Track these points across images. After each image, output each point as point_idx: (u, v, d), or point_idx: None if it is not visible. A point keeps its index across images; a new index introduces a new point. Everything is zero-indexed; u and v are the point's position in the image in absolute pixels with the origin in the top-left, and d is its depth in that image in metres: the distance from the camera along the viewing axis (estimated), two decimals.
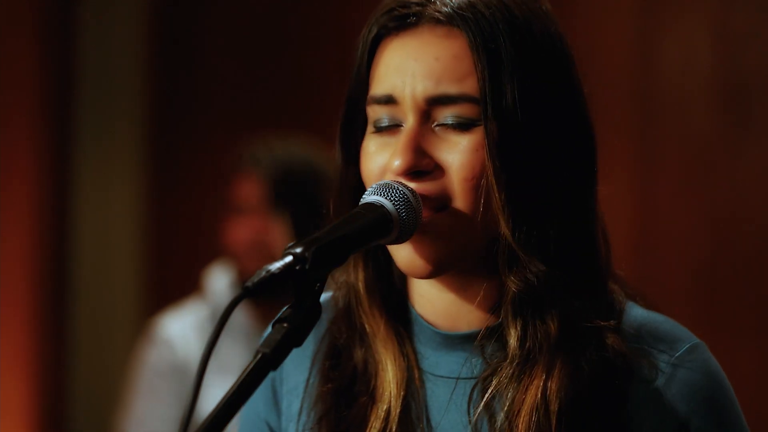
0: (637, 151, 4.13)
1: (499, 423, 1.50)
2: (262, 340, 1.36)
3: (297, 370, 1.62)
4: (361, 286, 1.59)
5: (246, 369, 1.32)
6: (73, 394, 4.90)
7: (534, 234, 1.48)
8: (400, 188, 1.46)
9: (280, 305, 1.42)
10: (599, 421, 1.48)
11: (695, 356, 1.52)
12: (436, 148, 1.48)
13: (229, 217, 3.47)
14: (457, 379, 1.54)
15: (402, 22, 1.51)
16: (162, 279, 4.93)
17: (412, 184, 1.47)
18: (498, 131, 1.46)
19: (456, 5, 1.49)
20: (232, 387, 1.31)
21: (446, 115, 1.49)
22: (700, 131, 4.09)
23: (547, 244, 1.49)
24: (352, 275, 1.59)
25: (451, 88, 1.48)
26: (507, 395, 1.50)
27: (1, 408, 4.49)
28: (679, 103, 4.12)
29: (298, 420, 1.60)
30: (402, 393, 1.55)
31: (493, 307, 1.53)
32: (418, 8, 1.50)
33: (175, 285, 4.54)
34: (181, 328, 3.47)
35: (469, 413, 1.52)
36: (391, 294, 1.59)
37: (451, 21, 1.49)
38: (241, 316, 3.40)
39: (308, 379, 1.61)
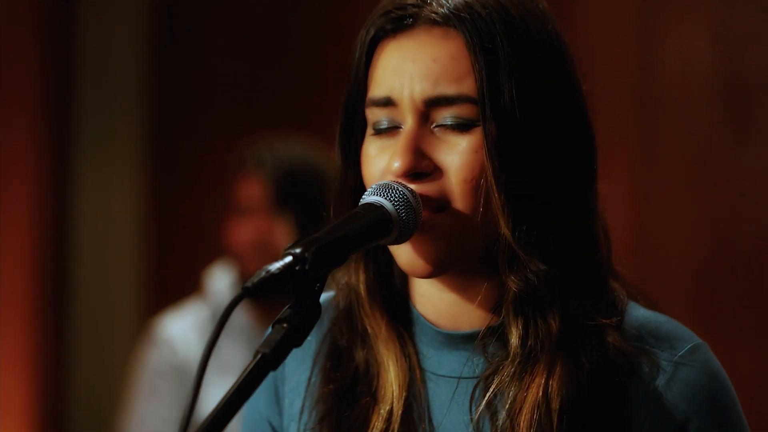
0: (637, 151, 4.13)
1: (500, 421, 1.50)
2: (262, 340, 1.36)
3: (299, 369, 1.62)
4: (362, 287, 1.59)
5: (246, 369, 1.32)
6: (73, 394, 4.90)
7: (534, 234, 1.48)
8: (400, 188, 1.47)
9: (280, 305, 1.42)
10: (600, 419, 1.48)
11: (697, 356, 1.52)
12: (436, 149, 1.49)
13: (231, 217, 3.46)
14: (459, 378, 1.54)
15: (399, 24, 1.51)
16: (162, 279, 4.93)
17: (412, 186, 1.47)
18: (497, 131, 1.47)
19: (452, 6, 1.49)
20: (232, 387, 1.31)
21: (445, 116, 1.49)
22: (700, 131, 4.09)
23: (547, 243, 1.49)
24: (353, 277, 1.60)
25: (449, 89, 1.48)
26: (509, 394, 1.50)
27: (1, 408, 4.49)
28: (679, 103, 4.12)
29: (300, 419, 1.60)
30: (404, 394, 1.55)
31: (495, 307, 1.53)
32: (414, 10, 1.50)
33: (175, 285, 4.54)
34: (182, 329, 3.47)
35: (471, 412, 1.52)
36: (392, 295, 1.59)
37: (448, 22, 1.49)
38: (241, 317, 3.41)
39: (310, 379, 1.61)
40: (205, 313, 3.48)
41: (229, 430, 1.32)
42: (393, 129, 1.51)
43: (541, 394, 1.47)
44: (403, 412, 1.54)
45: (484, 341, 1.52)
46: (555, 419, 1.47)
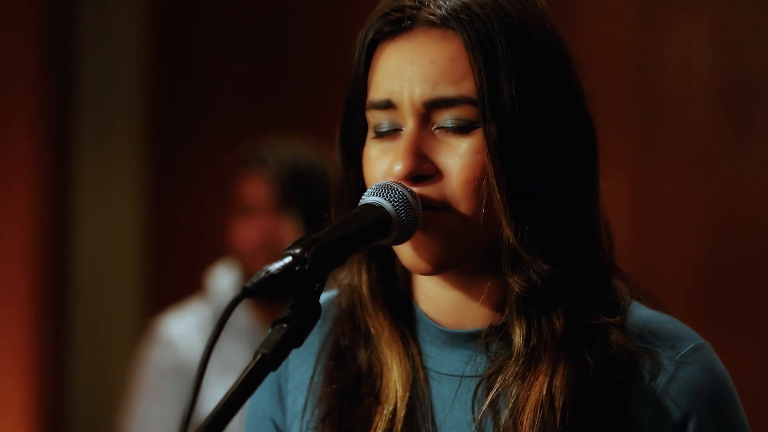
0: (637, 152, 4.13)
1: (503, 420, 1.50)
2: (263, 340, 1.36)
3: (302, 367, 1.63)
4: (364, 288, 1.59)
5: (246, 369, 1.32)
6: (73, 394, 4.90)
7: (536, 233, 1.48)
8: (400, 189, 1.47)
9: (282, 305, 1.42)
10: (603, 418, 1.48)
11: (699, 356, 1.52)
12: (437, 151, 1.48)
13: (235, 217, 3.46)
14: (462, 377, 1.54)
15: (397, 26, 1.51)
16: (162, 279, 4.93)
17: (414, 189, 1.47)
18: (497, 132, 1.46)
19: (450, 7, 1.49)
20: (231, 387, 1.31)
21: (445, 118, 1.49)
22: (700, 131, 4.09)
23: (550, 243, 1.49)
24: (356, 278, 1.60)
25: (448, 91, 1.48)
26: (511, 393, 1.50)
27: (1, 408, 4.50)
28: (679, 103, 4.12)
29: (302, 417, 1.60)
30: (407, 394, 1.55)
31: (498, 305, 1.53)
32: (412, 11, 1.50)
33: (175, 285, 4.54)
34: (184, 329, 3.47)
35: (473, 411, 1.52)
36: (395, 295, 1.59)
37: (446, 23, 1.49)
38: (243, 316, 3.41)
39: (312, 377, 1.61)
40: (207, 312, 3.48)
41: (229, 429, 1.32)
42: (394, 131, 1.51)
43: (544, 393, 1.48)
44: (406, 413, 1.54)
45: (487, 340, 1.52)
46: (558, 418, 1.47)
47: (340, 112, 1.57)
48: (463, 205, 1.48)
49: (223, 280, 3.50)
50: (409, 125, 1.49)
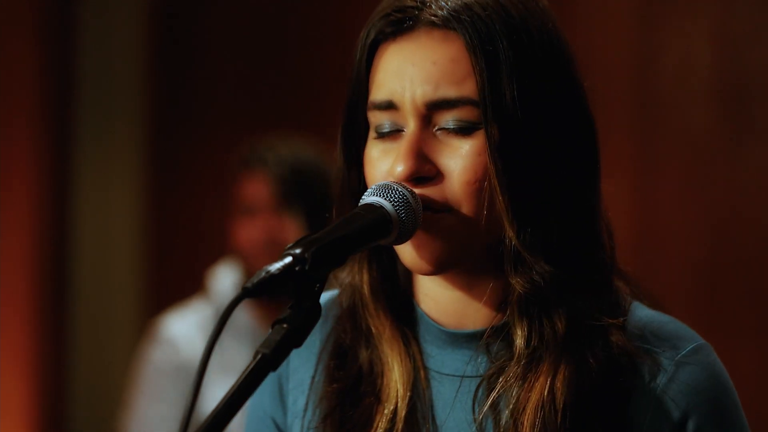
0: (637, 152, 4.13)
1: (504, 421, 1.50)
2: (263, 340, 1.36)
3: (303, 366, 1.63)
4: (365, 288, 1.59)
5: (246, 369, 1.32)
6: (73, 394, 4.90)
7: (538, 234, 1.48)
8: (400, 189, 1.47)
9: (284, 305, 1.42)
10: (603, 419, 1.48)
11: (699, 357, 1.52)
12: (438, 153, 1.48)
13: (236, 218, 3.47)
14: (462, 377, 1.54)
15: (399, 27, 1.50)
16: (162, 279, 4.93)
17: (415, 190, 1.47)
18: (499, 133, 1.46)
19: (451, 8, 1.48)
20: (232, 387, 1.31)
21: (447, 119, 1.48)
22: (700, 131, 4.09)
23: (552, 244, 1.49)
24: (357, 277, 1.60)
25: (450, 92, 1.48)
26: (512, 393, 1.50)
27: (1, 408, 4.50)
28: (679, 103, 4.12)
29: (303, 417, 1.60)
30: (408, 393, 1.55)
31: (500, 305, 1.53)
32: (414, 12, 1.50)
33: (175, 285, 4.54)
34: (185, 328, 3.47)
35: (474, 411, 1.52)
36: (396, 294, 1.59)
37: (447, 24, 1.48)
38: (245, 316, 3.41)
39: (313, 377, 1.61)
40: (209, 312, 3.48)
41: (229, 429, 1.32)
42: (395, 132, 1.51)
43: (545, 393, 1.47)
44: (407, 412, 1.54)
45: (488, 340, 1.52)
46: (559, 418, 1.47)
47: (341, 111, 1.57)
48: (465, 207, 1.48)
49: (225, 279, 3.51)
50: (411, 126, 1.49)
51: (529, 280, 1.49)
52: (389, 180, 1.49)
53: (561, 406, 1.47)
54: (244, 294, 1.33)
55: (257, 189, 3.43)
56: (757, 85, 4.04)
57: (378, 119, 1.52)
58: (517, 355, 1.50)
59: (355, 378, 1.58)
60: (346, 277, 1.61)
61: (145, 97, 4.98)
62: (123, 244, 4.98)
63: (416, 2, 1.50)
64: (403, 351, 1.56)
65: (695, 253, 4.09)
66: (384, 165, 1.50)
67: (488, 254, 1.51)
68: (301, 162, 3.42)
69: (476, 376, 1.53)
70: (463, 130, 1.48)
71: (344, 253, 1.43)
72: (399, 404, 1.55)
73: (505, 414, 1.50)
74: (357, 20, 1.61)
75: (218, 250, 3.78)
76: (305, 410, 1.60)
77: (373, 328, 1.58)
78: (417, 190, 1.48)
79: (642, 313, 1.55)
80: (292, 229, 3.37)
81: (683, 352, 1.51)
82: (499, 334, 1.52)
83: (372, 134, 1.53)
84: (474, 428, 1.52)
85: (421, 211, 1.47)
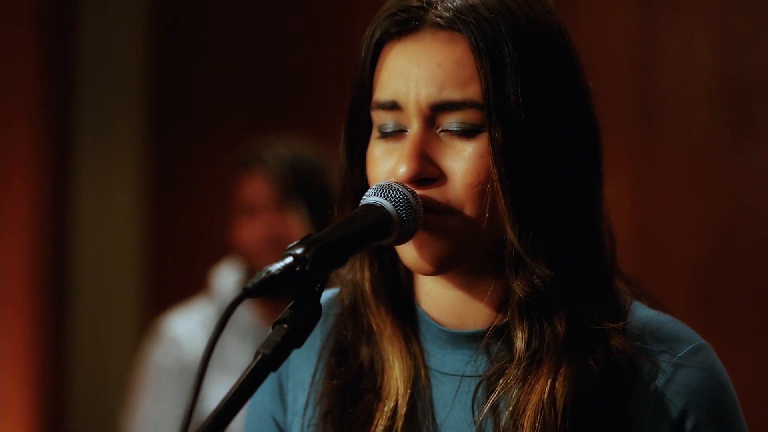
0: (637, 152, 4.13)
1: (503, 422, 1.50)
2: (263, 340, 1.36)
3: (303, 365, 1.63)
4: (367, 285, 1.59)
5: (246, 370, 1.32)
6: (73, 394, 4.90)
7: (540, 238, 1.48)
8: (401, 189, 1.47)
9: (287, 304, 1.42)
10: (603, 421, 1.48)
11: (698, 357, 1.52)
12: (442, 154, 1.48)
13: (237, 218, 3.47)
14: (462, 376, 1.54)
15: (404, 27, 1.50)
16: (162, 279, 4.93)
17: (417, 191, 1.47)
18: (502, 137, 1.46)
19: (457, 9, 1.48)
20: (232, 387, 1.32)
21: (451, 121, 1.48)
22: (700, 131, 4.09)
23: (553, 247, 1.48)
24: (358, 274, 1.60)
25: (454, 94, 1.48)
26: (512, 395, 1.50)
27: (1, 408, 4.50)
28: (679, 102, 4.12)
29: (304, 415, 1.60)
30: (408, 391, 1.55)
31: (500, 306, 1.53)
32: (419, 12, 1.49)
33: (175, 285, 4.54)
34: (188, 327, 3.48)
35: (473, 411, 1.52)
36: (397, 293, 1.59)
37: (453, 26, 1.48)
38: (247, 315, 3.41)
39: (314, 375, 1.61)
40: (212, 311, 3.49)
41: (230, 429, 1.32)
42: (398, 132, 1.51)
43: (545, 395, 1.47)
44: (407, 410, 1.54)
45: (488, 341, 1.52)
46: (559, 420, 1.47)
47: (344, 110, 1.56)
48: (467, 209, 1.48)
49: (228, 278, 3.51)
50: (414, 127, 1.49)
51: (530, 283, 1.49)
52: (391, 180, 1.48)
53: (561, 408, 1.47)
54: (245, 294, 1.33)
55: (257, 188, 3.44)
56: (757, 85, 4.04)
57: (381, 119, 1.51)
58: (517, 357, 1.50)
59: (355, 375, 1.58)
60: (347, 275, 1.61)
61: (145, 97, 4.98)
62: (123, 244, 4.98)
63: (422, 2, 1.50)
64: (404, 349, 1.56)
65: (695, 253, 4.09)
66: (386, 164, 1.50)
67: (489, 256, 1.51)
68: (299, 158, 3.44)
69: (476, 376, 1.53)
70: (467, 133, 1.48)
71: (345, 253, 1.43)
72: (399, 402, 1.55)
73: (505, 415, 1.50)
74: (357, 20, 1.61)
75: (218, 250, 3.78)
76: (305, 408, 1.60)
77: (374, 326, 1.58)
78: (419, 191, 1.47)
79: (642, 313, 1.55)
80: (294, 225, 3.38)
81: (682, 353, 1.51)
82: (500, 334, 1.52)
83: (375, 133, 1.53)
84: (474, 428, 1.52)
85: (422, 212, 1.47)
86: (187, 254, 4.85)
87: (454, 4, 1.49)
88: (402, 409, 1.55)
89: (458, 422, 1.53)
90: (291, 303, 1.39)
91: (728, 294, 4.05)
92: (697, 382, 1.50)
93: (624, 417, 1.49)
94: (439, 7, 1.49)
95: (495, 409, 1.51)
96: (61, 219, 4.87)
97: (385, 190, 1.47)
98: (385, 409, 1.55)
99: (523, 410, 1.48)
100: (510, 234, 1.48)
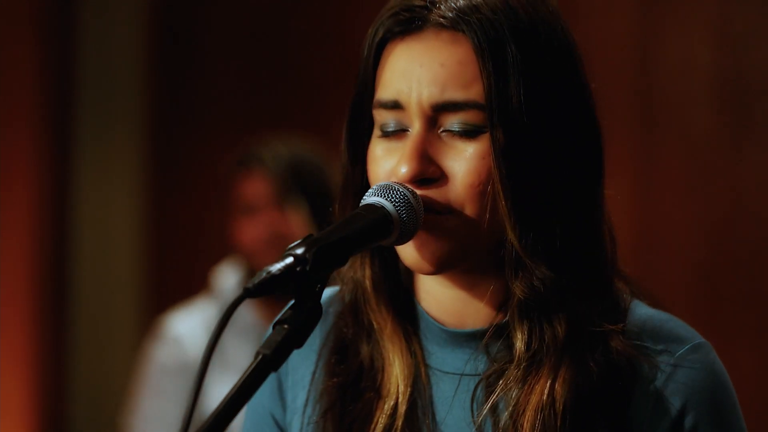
0: (638, 152, 4.14)
1: (503, 422, 1.50)
2: (263, 341, 1.36)
3: (303, 363, 1.63)
4: (368, 283, 1.59)
5: (247, 370, 1.33)
6: (73, 394, 4.90)
7: (540, 240, 1.48)
8: (401, 189, 1.47)
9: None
10: (603, 421, 1.48)
11: (698, 356, 1.51)
12: (443, 155, 1.48)
13: (237, 217, 3.47)
14: (461, 375, 1.54)
15: (407, 26, 1.50)
16: (162, 279, 4.93)
17: (418, 191, 1.47)
18: (504, 138, 1.46)
19: (460, 9, 1.48)
20: (233, 388, 1.32)
21: (452, 121, 1.48)
22: (700, 131, 4.09)
23: (554, 249, 1.48)
24: (359, 272, 1.59)
25: (456, 95, 1.47)
26: (512, 395, 1.50)
27: (1, 408, 4.50)
28: (679, 102, 4.12)
29: (303, 413, 1.60)
30: (408, 389, 1.55)
31: (501, 305, 1.53)
32: (422, 12, 1.49)
33: (175, 285, 4.54)
34: (190, 327, 3.48)
35: (472, 410, 1.52)
36: (398, 291, 1.59)
37: (456, 26, 1.48)
38: (249, 314, 3.41)
39: (314, 373, 1.61)
40: (214, 311, 3.49)
41: (231, 429, 1.33)
42: (400, 132, 1.50)
43: (545, 396, 1.47)
44: (407, 408, 1.54)
45: (488, 341, 1.52)
46: (559, 421, 1.47)
47: (346, 109, 1.56)
48: (468, 209, 1.48)
49: (230, 278, 3.51)
50: (416, 127, 1.49)
51: (530, 285, 1.49)
52: (392, 180, 1.49)
53: (561, 408, 1.47)
54: (245, 294, 1.33)
55: (256, 187, 3.44)
56: (757, 85, 4.04)
57: (383, 118, 1.51)
58: (517, 358, 1.50)
59: (356, 373, 1.58)
60: (348, 272, 1.61)
61: (145, 97, 4.98)
62: (123, 244, 4.98)
63: (425, 2, 1.50)
64: (404, 347, 1.56)
65: (695, 253, 4.10)
66: (387, 163, 1.50)
67: (490, 256, 1.51)
68: (297, 156, 3.44)
69: (475, 375, 1.53)
70: (468, 133, 1.48)
71: (345, 254, 1.43)
72: (399, 400, 1.55)
73: (505, 415, 1.50)
74: (357, 20, 1.61)
75: (218, 250, 3.78)
76: (305, 406, 1.60)
77: (374, 323, 1.58)
78: (420, 192, 1.47)
79: (641, 311, 1.55)
80: (294, 222, 3.39)
81: (681, 351, 1.51)
82: (500, 334, 1.52)
83: (376, 132, 1.53)
84: (473, 428, 1.52)
85: (423, 212, 1.47)
86: (187, 254, 4.85)
87: (458, 4, 1.48)
88: (402, 408, 1.54)
89: (458, 421, 1.53)
90: (291, 303, 1.39)
91: (728, 294, 4.05)
92: (696, 381, 1.50)
93: (624, 417, 1.49)
94: (442, 7, 1.49)
95: (494, 409, 1.51)
96: (61, 219, 4.87)
97: (386, 190, 1.47)
98: (386, 407, 1.55)
99: (523, 411, 1.48)
100: (510, 235, 1.48)
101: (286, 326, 1.36)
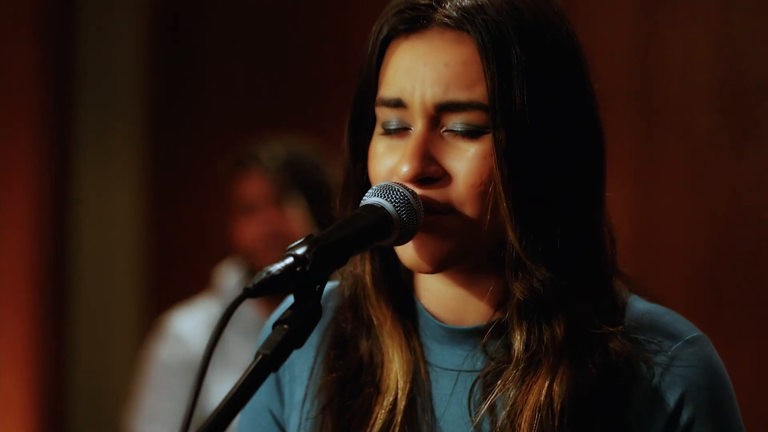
0: (638, 152, 4.14)
1: (500, 421, 1.50)
2: (263, 341, 1.36)
3: (301, 359, 1.62)
4: (368, 279, 1.58)
5: (247, 370, 1.33)
6: (73, 394, 4.90)
7: (541, 241, 1.48)
8: (401, 190, 1.46)
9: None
10: (601, 421, 1.48)
11: (694, 349, 1.51)
12: (445, 154, 1.48)
13: (236, 217, 3.48)
14: (459, 371, 1.54)
15: (412, 25, 1.50)
16: (162, 279, 4.93)
17: (419, 191, 1.47)
18: (506, 139, 1.46)
19: (465, 9, 1.47)
20: (233, 388, 1.32)
21: (455, 121, 1.48)
22: (700, 131, 4.10)
23: (554, 250, 1.48)
24: (359, 267, 1.59)
25: (460, 95, 1.47)
26: (510, 395, 1.50)
27: (1, 408, 4.50)
28: (680, 103, 4.12)
29: (302, 408, 1.60)
30: (408, 386, 1.55)
31: (500, 304, 1.53)
32: (427, 11, 1.49)
33: (176, 285, 4.54)
34: (192, 325, 3.48)
35: (469, 407, 1.52)
36: (398, 287, 1.59)
37: (461, 26, 1.48)
38: (250, 314, 3.42)
39: (312, 369, 1.61)
40: (216, 309, 3.49)
41: (231, 429, 1.33)
42: (402, 130, 1.50)
43: (543, 395, 1.47)
44: (406, 404, 1.54)
45: (487, 339, 1.52)
46: (556, 420, 1.47)
47: (348, 105, 1.56)
48: (468, 209, 1.47)
49: (232, 276, 3.52)
50: (418, 126, 1.49)
51: (529, 286, 1.49)
52: (394, 179, 1.48)
53: (558, 409, 1.47)
54: (246, 294, 1.33)
55: (255, 187, 3.45)
56: (758, 86, 4.04)
57: (386, 116, 1.51)
58: (515, 358, 1.50)
59: (355, 368, 1.58)
60: (348, 267, 1.61)
61: (145, 97, 4.98)
62: (123, 244, 4.98)
63: (430, 1, 1.49)
64: (403, 343, 1.56)
65: (695, 253, 4.10)
66: (388, 161, 1.50)
67: (490, 255, 1.51)
68: (294, 154, 3.45)
69: (473, 372, 1.53)
70: (471, 134, 1.47)
71: (345, 254, 1.43)
72: (399, 396, 1.55)
73: (502, 415, 1.50)
74: (357, 20, 1.62)
75: (218, 249, 3.79)
76: (304, 401, 1.60)
77: (374, 319, 1.58)
78: (421, 191, 1.47)
79: (639, 305, 1.55)
80: (294, 219, 3.39)
81: (678, 344, 1.51)
82: (499, 332, 1.52)
83: (378, 129, 1.53)
84: (471, 426, 1.52)
85: (423, 213, 1.47)
86: (187, 254, 4.85)
87: (463, 4, 1.48)
88: (401, 403, 1.54)
89: (456, 418, 1.53)
90: (288, 301, 1.40)
91: (728, 294, 4.05)
92: (693, 373, 1.50)
93: (622, 418, 1.49)
94: (447, 7, 1.48)
95: (492, 409, 1.51)
96: (61, 219, 4.87)
97: (386, 190, 1.47)
98: (385, 402, 1.55)
99: (521, 410, 1.48)
100: (511, 236, 1.47)
101: (286, 326, 1.36)
